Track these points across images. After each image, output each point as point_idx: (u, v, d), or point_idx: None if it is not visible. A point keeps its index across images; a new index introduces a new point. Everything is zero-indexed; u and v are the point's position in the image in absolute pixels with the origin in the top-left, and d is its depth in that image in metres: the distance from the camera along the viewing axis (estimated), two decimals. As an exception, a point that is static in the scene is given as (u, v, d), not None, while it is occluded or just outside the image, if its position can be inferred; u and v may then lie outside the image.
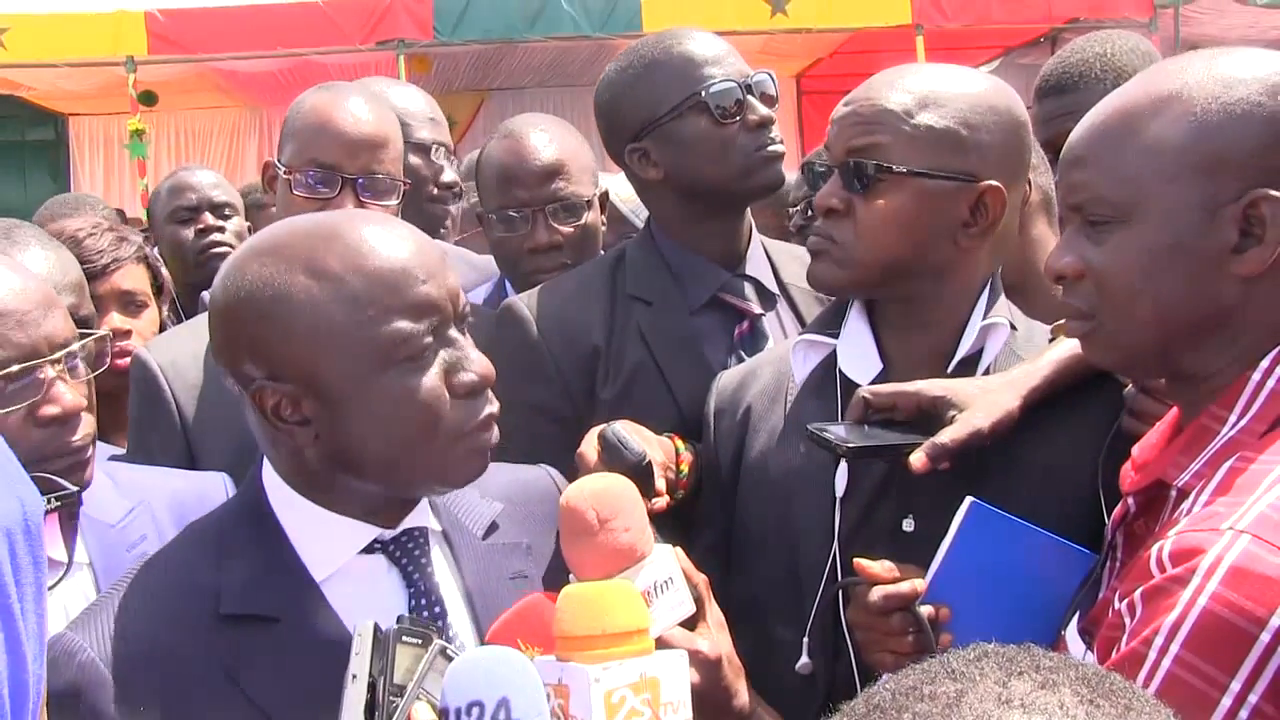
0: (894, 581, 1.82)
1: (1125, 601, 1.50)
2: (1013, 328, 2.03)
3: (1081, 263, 1.67)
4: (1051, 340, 2.02)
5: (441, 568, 1.73)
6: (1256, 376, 1.58)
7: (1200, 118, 1.59)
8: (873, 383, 2.02)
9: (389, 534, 1.69)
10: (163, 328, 3.29)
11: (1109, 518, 1.79)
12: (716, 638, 1.69)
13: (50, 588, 1.59)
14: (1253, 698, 1.38)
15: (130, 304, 3.19)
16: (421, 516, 1.73)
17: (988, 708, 0.88)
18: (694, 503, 2.23)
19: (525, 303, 2.60)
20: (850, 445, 1.88)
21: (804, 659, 2.00)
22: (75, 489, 1.78)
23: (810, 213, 4.51)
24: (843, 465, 2.00)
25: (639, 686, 1.41)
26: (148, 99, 10.57)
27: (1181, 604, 1.42)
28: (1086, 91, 2.90)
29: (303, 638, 1.58)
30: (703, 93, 2.53)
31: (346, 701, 1.40)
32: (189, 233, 4.17)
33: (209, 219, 4.18)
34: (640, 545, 1.58)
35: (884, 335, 2.09)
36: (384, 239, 1.61)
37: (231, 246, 4.13)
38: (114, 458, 2.52)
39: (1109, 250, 1.64)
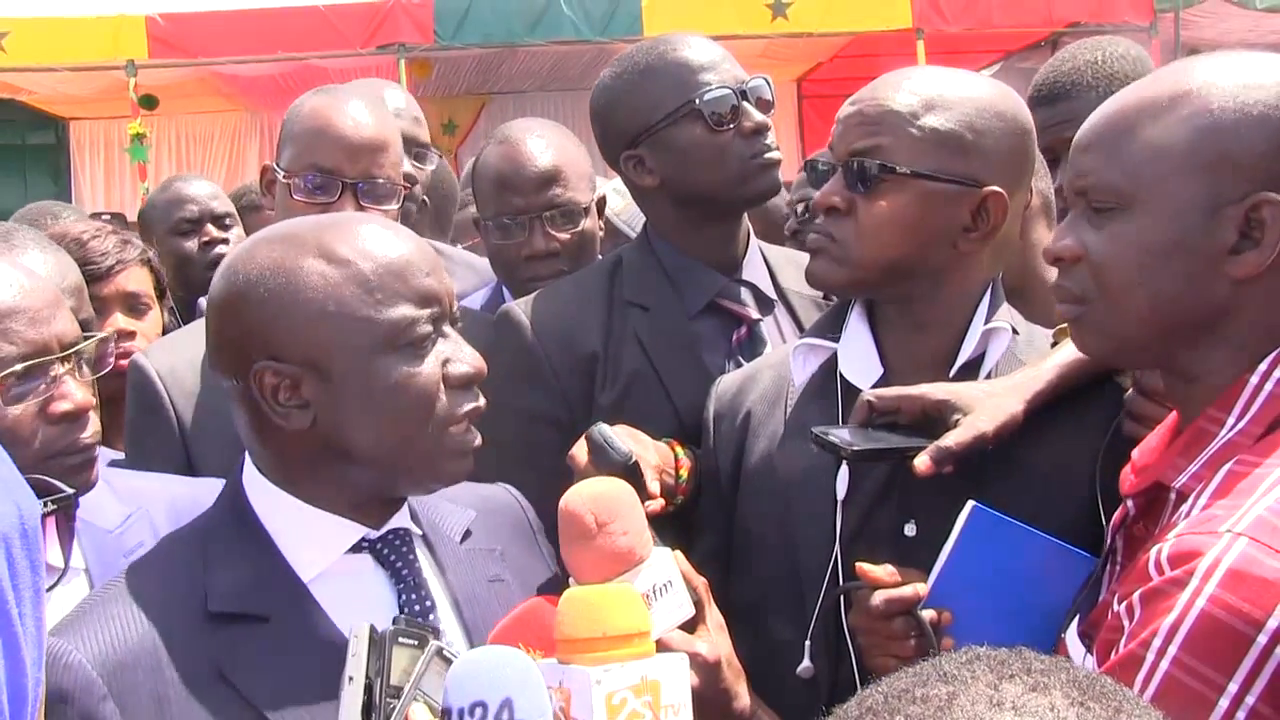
0: (896, 585, 1.81)
1: (1124, 604, 1.50)
2: (1014, 332, 2.03)
3: (1080, 246, 1.67)
4: (1054, 345, 2.02)
5: (426, 568, 1.75)
6: (1254, 379, 1.59)
7: (1215, 116, 1.59)
8: (873, 387, 2.02)
9: (375, 534, 1.71)
10: (164, 331, 3.30)
11: (1108, 521, 1.79)
12: (716, 640, 1.69)
13: (46, 590, 1.58)
14: (1250, 699, 1.38)
15: (135, 306, 3.19)
16: (404, 519, 1.75)
17: (979, 710, 0.88)
18: (694, 508, 2.23)
19: (523, 309, 2.59)
20: (855, 448, 1.88)
21: (805, 662, 2.00)
22: (71, 491, 1.78)
23: (805, 214, 4.51)
24: (843, 469, 2.00)
25: (640, 689, 1.41)
26: (148, 103, 10.57)
27: (1179, 606, 1.42)
28: (1079, 99, 2.90)
29: (293, 636, 1.59)
30: (697, 100, 2.52)
31: (343, 703, 1.41)
32: (192, 244, 4.18)
33: (212, 231, 4.20)
34: (639, 548, 1.58)
35: (885, 339, 2.09)
36: (388, 234, 1.69)
37: None
38: (113, 463, 2.51)
39: (1108, 238, 1.64)
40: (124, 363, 2.83)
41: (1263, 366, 1.59)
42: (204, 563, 1.66)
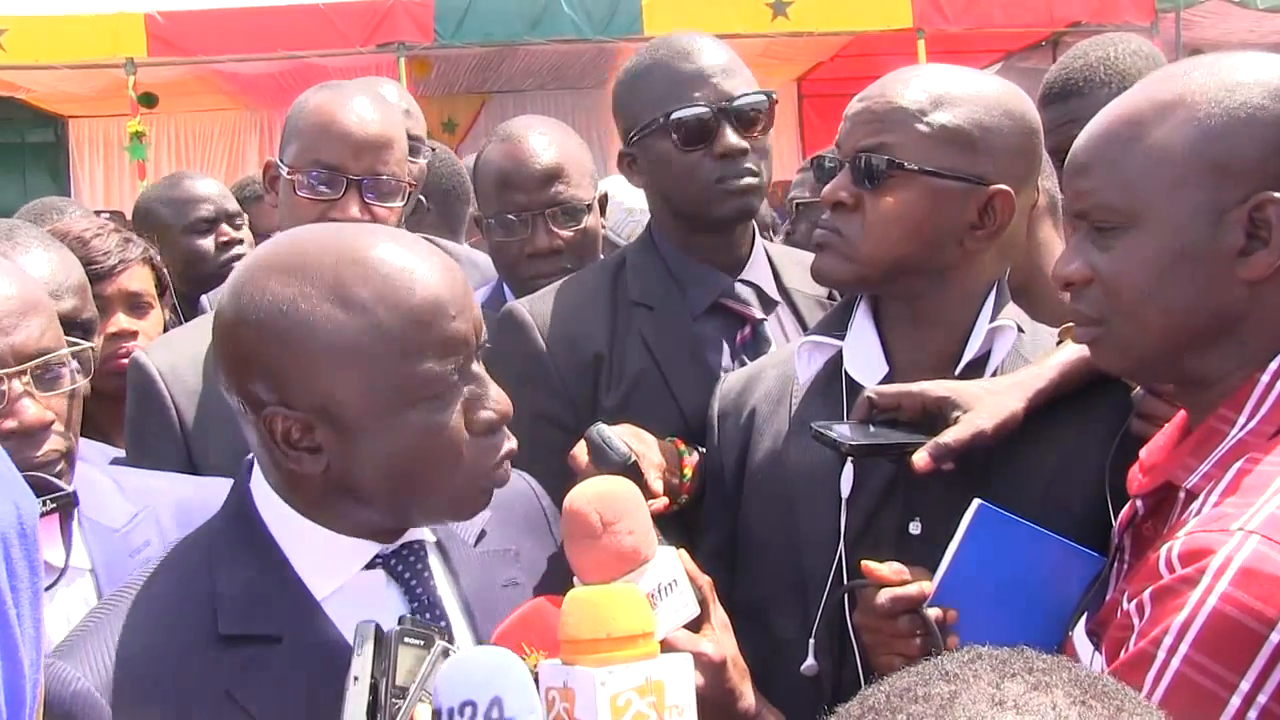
0: (901, 584, 1.81)
1: (1134, 602, 1.50)
2: (1020, 330, 2.02)
3: (1089, 269, 1.66)
4: (1059, 343, 2.01)
5: (439, 577, 1.71)
6: (1265, 379, 1.58)
7: (1204, 123, 1.59)
8: (878, 385, 2.01)
9: (389, 548, 1.66)
10: (165, 329, 3.29)
11: (1116, 520, 1.78)
12: (721, 639, 1.68)
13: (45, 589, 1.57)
14: (1262, 698, 1.38)
15: (136, 305, 3.18)
16: (418, 530, 1.70)
17: (981, 709, 0.88)
18: (698, 506, 2.22)
19: (527, 308, 2.58)
20: (854, 443, 1.88)
21: (810, 661, 1.99)
22: (71, 490, 1.75)
23: (798, 211, 4.49)
24: (848, 467, 2.00)
25: (644, 690, 1.40)
26: (148, 101, 10.56)
27: (1191, 604, 1.42)
28: (1091, 97, 2.89)
29: (306, 656, 1.55)
30: (664, 118, 2.51)
31: (349, 703, 1.40)
32: (208, 243, 4.18)
33: (229, 231, 4.21)
34: (644, 548, 1.58)
35: (890, 337, 2.08)
36: (416, 270, 1.54)
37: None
38: (115, 461, 2.50)
39: (1116, 256, 1.64)
40: (126, 361, 2.83)
41: (1274, 366, 1.59)
42: (212, 579, 1.59)
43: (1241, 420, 1.58)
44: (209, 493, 2.18)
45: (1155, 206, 1.60)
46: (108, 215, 5.54)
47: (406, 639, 1.43)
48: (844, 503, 2.00)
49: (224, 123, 13.11)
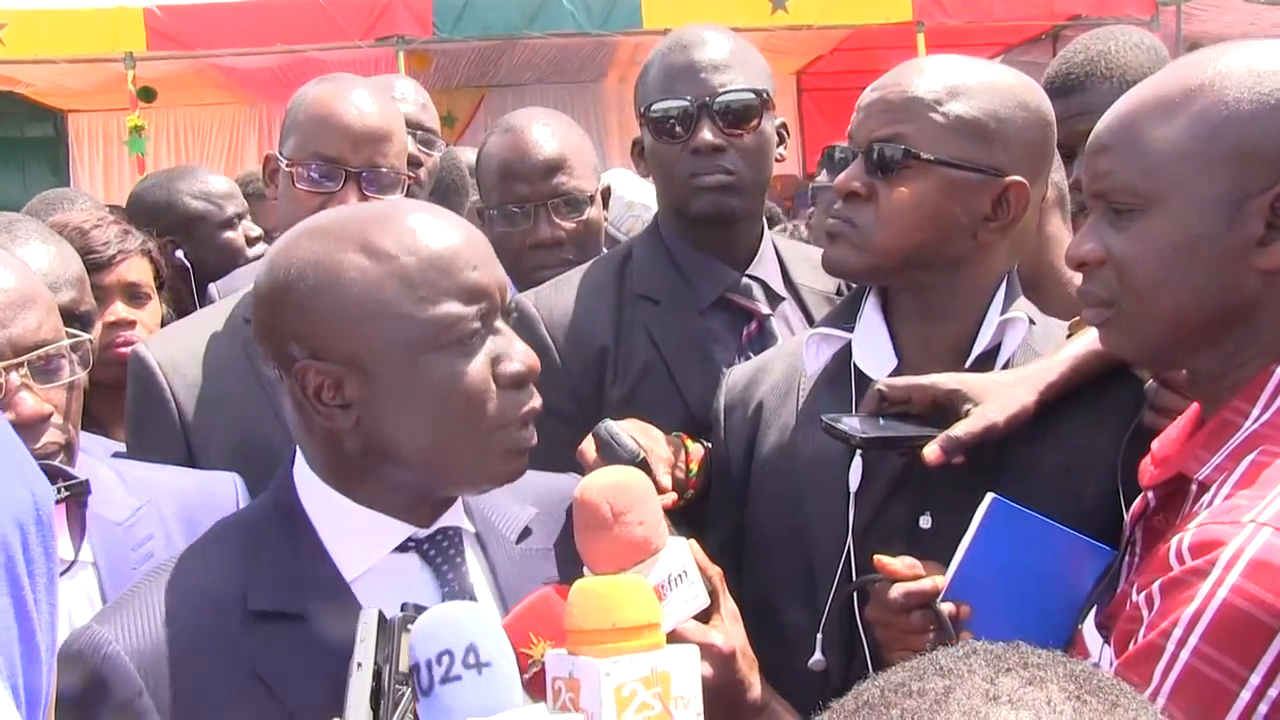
0: (914, 578, 1.80)
1: (1143, 594, 1.49)
2: (1031, 323, 2.02)
3: (1103, 250, 1.65)
4: (1069, 336, 2.01)
5: (475, 569, 1.71)
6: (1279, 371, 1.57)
7: (1232, 108, 1.57)
8: (888, 377, 2.00)
9: (423, 533, 1.67)
10: (162, 322, 3.29)
11: (1128, 513, 1.77)
12: (731, 631, 1.68)
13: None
14: (1272, 691, 1.37)
15: (135, 296, 3.19)
16: (456, 517, 1.71)
17: (975, 704, 0.88)
18: (705, 501, 2.21)
19: (532, 301, 2.58)
20: (864, 436, 1.87)
21: (817, 655, 1.99)
22: (84, 478, 1.75)
23: (794, 206, 4.46)
24: (857, 460, 1.99)
25: (649, 681, 1.40)
26: (147, 95, 10.54)
27: (1201, 596, 1.41)
28: (1092, 91, 2.88)
29: (329, 636, 1.54)
30: (645, 109, 2.54)
31: (351, 690, 1.40)
32: (240, 237, 4.23)
33: (250, 227, 4.28)
34: (654, 538, 1.57)
35: (899, 329, 2.07)
36: (437, 225, 1.62)
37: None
38: (115, 455, 2.50)
39: (1131, 238, 1.62)
40: (125, 350, 2.83)
41: None
42: (247, 558, 1.62)
43: (1255, 412, 1.57)
44: (212, 486, 2.20)
45: (1175, 190, 1.59)
46: (106, 209, 5.53)
47: (409, 626, 1.43)
48: (852, 496, 1.99)
49: (223, 117, 13.10)
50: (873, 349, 2.06)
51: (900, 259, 1.99)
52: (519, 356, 1.62)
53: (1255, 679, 1.38)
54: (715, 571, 1.69)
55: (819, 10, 10.34)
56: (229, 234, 4.21)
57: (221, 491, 2.18)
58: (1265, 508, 1.43)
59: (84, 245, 2.90)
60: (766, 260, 2.65)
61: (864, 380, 2.04)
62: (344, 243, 1.58)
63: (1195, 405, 1.72)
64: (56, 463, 1.88)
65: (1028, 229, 2.07)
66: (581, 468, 2.06)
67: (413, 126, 3.41)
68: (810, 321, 2.58)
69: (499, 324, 1.63)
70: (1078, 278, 2.32)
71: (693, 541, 1.65)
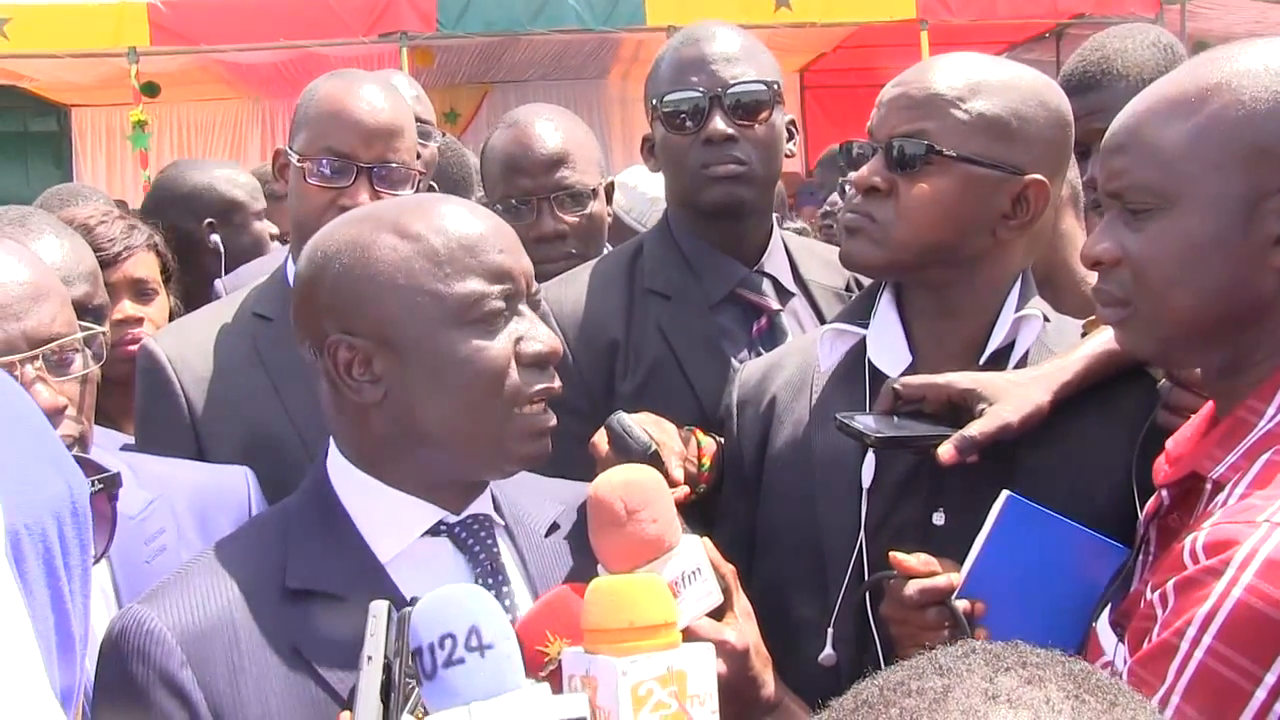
0: (930, 575, 1.80)
1: (1157, 593, 1.49)
2: (1045, 320, 2.02)
3: (1119, 249, 1.65)
4: (1084, 335, 2.00)
5: (506, 557, 1.74)
6: None
7: (1249, 107, 1.57)
8: (902, 374, 2.01)
9: (454, 518, 1.71)
10: (170, 316, 3.28)
11: (1142, 511, 1.77)
12: (744, 628, 1.67)
13: None
14: None
15: (142, 292, 3.19)
16: (485, 505, 1.74)
17: (974, 703, 0.88)
18: (716, 495, 2.21)
19: (543, 295, 2.58)
20: (879, 435, 1.88)
21: (828, 650, 1.99)
22: (116, 471, 1.76)
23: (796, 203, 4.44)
24: (869, 457, 1.99)
25: (666, 679, 1.40)
26: (150, 90, 10.53)
27: (1215, 595, 1.41)
28: (1108, 90, 2.87)
29: (367, 615, 1.56)
30: (657, 101, 2.55)
31: (362, 683, 1.41)
32: (265, 228, 4.27)
33: (270, 226, 4.32)
34: (668, 536, 1.57)
35: (914, 326, 2.07)
36: (466, 213, 1.70)
37: None
38: (125, 448, 2.50)
39: (1148, 238, 1.62)
40: (133, 348, 2.83)
41: None
42: (285, 542, 1.67)
43: (1270, 411, 1.57)
44: (223, 480, 2.20)
45: (1192, 189, 1.58)
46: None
47: None
48: (865, 493, 1.99)
49: (226, 112, 13.08)
50: (887, 345, 2.06)
51: (918, 255, 1.99)
52: (541, 338, 1.67)
53: (1270, 678, 1.37)
54: (728, 569, 1.69)
55: (822, 8, 10.35)
56: (259, 224, 4.24)
57: (233, 485, 2.18)
58: None
59: (90, 241, 2.89)
60: (776, 256, 2.65)
61: (878, 376, 2.04)
62: (378, 226, 1.67)
63: (1209, 404, 1.72)
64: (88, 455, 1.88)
65: (1044, 228, 2.07)
66: (593, 460, 2.06)
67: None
68: (820, 317, 2.58)
69: (523, 307, 1.69)
70: (1091, 275, 2.32)
71: (706, 539, 1.65)
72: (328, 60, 9.71)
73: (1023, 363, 1.99)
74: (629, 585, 1.46)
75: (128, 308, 3.12)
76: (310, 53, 10.17)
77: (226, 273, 3.86)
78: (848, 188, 2.02)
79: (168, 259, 3.35)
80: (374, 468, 1.69)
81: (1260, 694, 1.38)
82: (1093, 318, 1.95)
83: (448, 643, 1.36)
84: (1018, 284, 2.03)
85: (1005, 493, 1.79)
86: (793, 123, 2.69)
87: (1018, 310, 2.00)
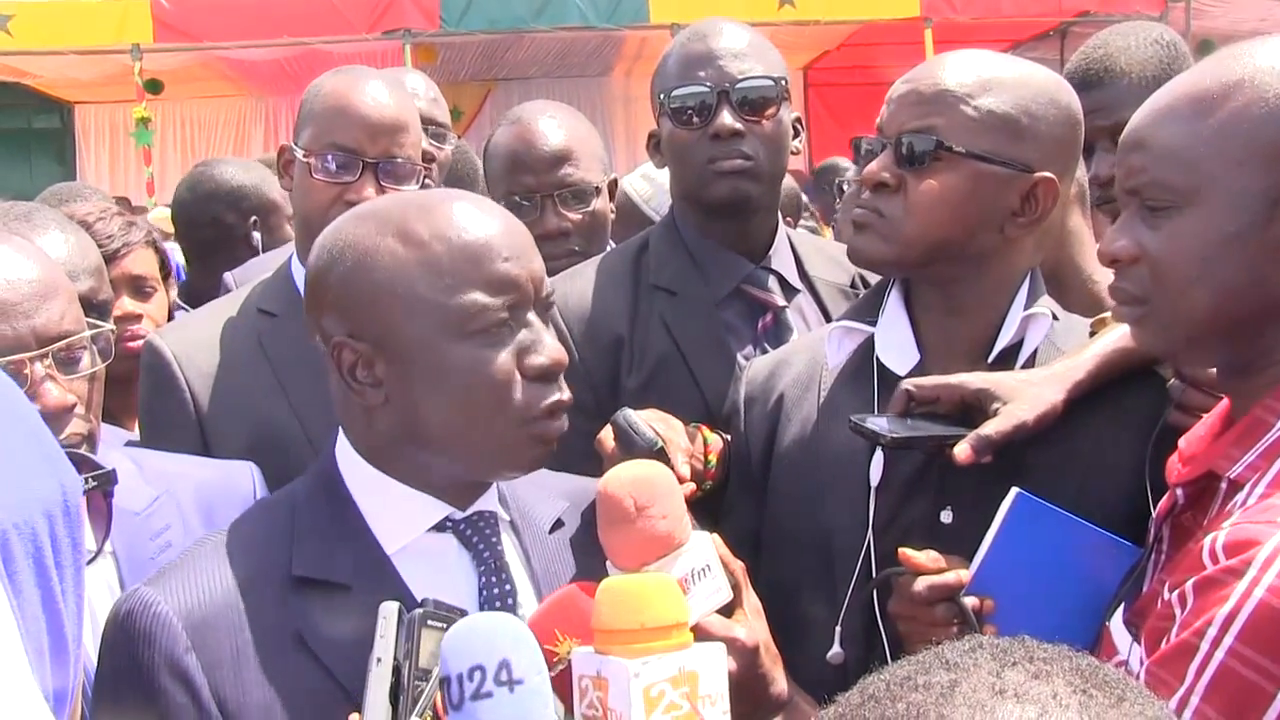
0: (939, 572, 1.79)
1: (1176, 592, 1.48)
2: (1054, 318, 2.01)
3: (1137, 247, 1.64)
4: (1092, 335, 2.00)
5: (510, 552, 1.72)
6: None
7: (1271, 104, 1.56)
8: (910, 372, 2.00)
9: (460, 514, 1.69)
10: (170, 312, 3.28)
11: (1154, 511, 1.76)
12: (754, 625, 1.67)
13: None
14: None
15: (141, 289, 3.18)
16: (491, 502, 1.73)
17: (981, 697, 0.87)
18: (723, 493, 2.20)
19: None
20: (894, 435, 1.87)
21: (836, 648, 1.98)
22: (111, 468, 1.75)
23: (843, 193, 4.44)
24: (878, 455, 1.98)
25: (678, 680, 1.39)
26: (153, 87, 10.55)
27: (1236, 596, 1.40)
28: (1111, 87, 2.86)
29: (372, 607, 1.54)
30: (664, 96, 2.54)
31: (371, 685, 1.40)
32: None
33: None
34: (678, 533, 1.56)
35: (922, 324, 2.06)
36: (474, 215, 1.64)
37: None
38: (129, 444, 2.49)
39: (1166, 236, 1.61)
40: (132, 345, 2.83)
41: None
42: (292, 529, 1.66)
43: None
44: (229, 476, 2.19)
45: (1211, 187, 1.57)
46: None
47: (429, 622, 1.43)
48: (873, 491, 1.98)
49: (229, 109, 13.10)
50: (895, 343, 2.05)
51: (926, 251, 1.98)
52: (546, 350, 1.63)
53: None
54: (738, 565, 1.68)
55: (826, 5, 10.37)
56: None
57: (239, 481, 2.18)
58: None
59: None
60: (782, 253, 2.64)
61: (886, 374, 2.03)
62: (383, 227, 1.63)
63: (1223, 403, 1.71)
64: (79, 451, 1.87)
65: (1053, 226, 2.06)
66: (597, 456, 2.06)
67: (424, 121, 3.40)
68: (825, 314, 2.58)
69: (530, 316, 1.64)
70: (1099, 274, 2.31)
71: (715, 535, 1.64)
72: (331, 58, 9.72)
73: (1031, 361, 1.98)
74: (641, 585, 1.45)
75: (126, 305, 3.11)
76: (313, 50, 10.19)
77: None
78: (847, 186, 2.01)
79: (166, 256, 3.34)
80: (380, 463, 1.68)
81: None
82: (1101, 316, 1.94)
83: (476, 675, 1.35)
84: (1026, 282, 2.02)
85: (1015, 490, 1.79)
86: (799, 119, 2.68)
87: (1026, 308, 1.99)
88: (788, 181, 3.70)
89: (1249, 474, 1.54)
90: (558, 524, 1.79)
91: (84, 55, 10.26)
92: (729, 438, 2.23)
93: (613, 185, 3.18)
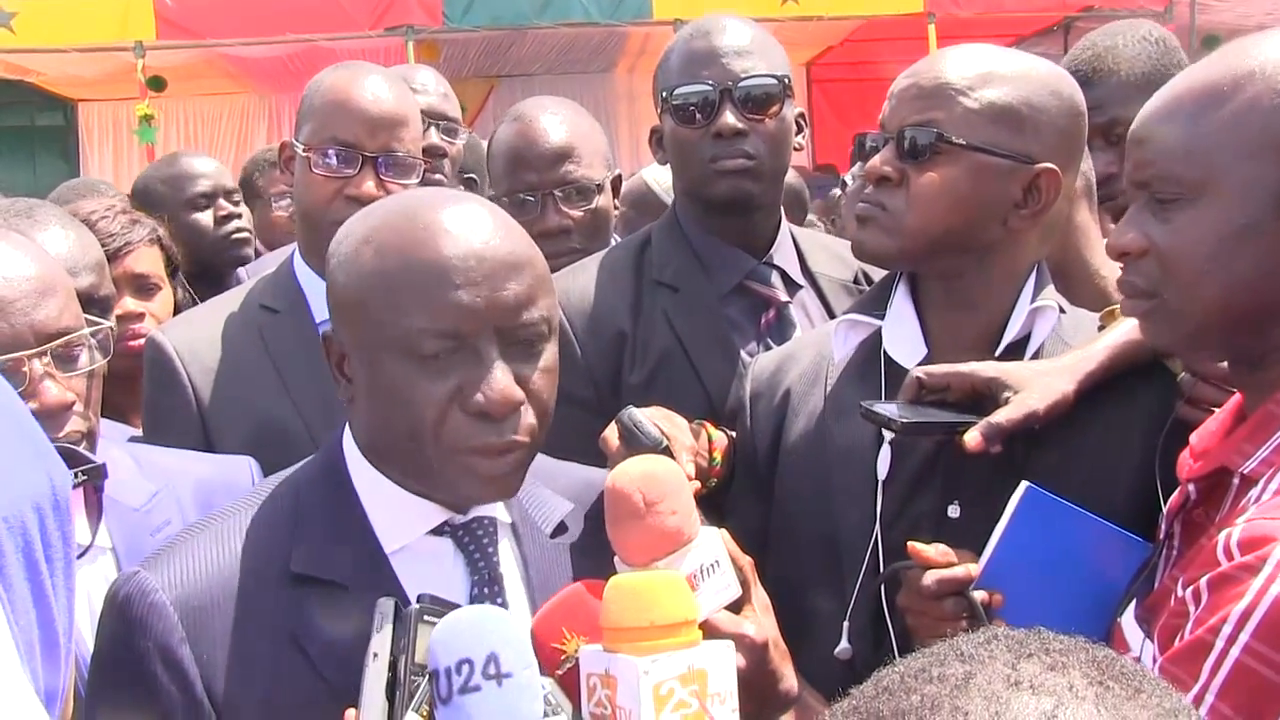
0: (947, 566, 1.78)
1: (1190, 589, 1.46)
2: (1061, 312, 2.00)
3: (1146, 240, 1.63)
4: (1101, 328, 1.98)
5: (508, 559, 1.70)
6: None
7: None
8: (917, 365, 1.98)
9: (459, 519, 1.67)
10: (176, 308, 3.26)
11: (1165, 506, 1.74)
12: (763, 621, 1.65)
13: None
14: None
15: (143, 287, 3.17)
16: (492, 506, 1.70)
17: (996, 689, 0.86)
18: (728, 489, 2.20)
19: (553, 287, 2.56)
20: (905, 420, 1.86)
21: (844, 644, 1.97)
22: (101, 462, 1.74)
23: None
24: (885, 449, 1.97)
25: (687, 678, 1.38)
26: (156, 84, 10.53)
27: (1252, 592, 1.38)
28: (1101, 85, 2.87)
29: (368, 607, 1.53)
30: (667, 94, 2.53)
31: (367, 680, 1.40)
32: (206, 218, 4.20)
33: (226, 205, 4.24)
34: (687, 528, 1.55)
35: (929, 317, 2.06)
36: (447, 234, 1.56)
37: (249, 230, 4.29)
38: (133, 439, 2.49)
39: (1176, 229, 1.59)
40: (134, 344, 2.82)
41: None
42: (294, 521, 1.65)
43: None
44: (228, 470, 2.20)
45: (1222, 179, 1.56)
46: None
47: (426, 617, 1.42)
48: (880, 485, 1.98)
49: (232, 106, 13.09)
50: (903, 336, 2.05)
51: (929, 244, 1.98)
52: (491, 388, 1.54)
53: None
54: (746, 561, 1.67)
55: (829, 1, 10.32)
56: (193, 215, 4.22)
57: (238, 476, 2.18)
58: None
59: None
60: (784, 248, 2.64)
61: (893, 368, 2.02)
62: (371, 231, 1.61)
63: (1234, 398, 1.70)
64: (74, 446, 1.86)
65: (1058, 218, 2.06)
66: (599, 451, 2.05)
67: (435, 116, 3.41)
68: (828, 310, 2.58)
69: (484, 348, 1.55)
70: (1105, 267, 2.30)
71: (724, 531, 1.63)
72: (334, 54, 9.68)
73: (1038, 355, 1.97)
74: (650, 583, 1.44)
75: (129, 303, 3.10)
76: (316, 47, 10.17)
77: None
78: (849, 180, 2.01)
79: (172, 252, 3.33)
80: (373, 459, 1.66)
81: None
82: (1110, 310, 1.93)
83: (464, 669, 1.34)
84: (1033, 275, 2.02)
85: (1024, 483, 1.78)
86: (802, 115, 2.67)
87: (1033, 302, 1.99)
88: (792, 177, 3.69)
89: (1263, 469, 1.53)
90: (561, 527, 1.76)
91: (87, 53, 10.24)
92: (733, 434, 2.22)
93: (616, 181, 3.17)
